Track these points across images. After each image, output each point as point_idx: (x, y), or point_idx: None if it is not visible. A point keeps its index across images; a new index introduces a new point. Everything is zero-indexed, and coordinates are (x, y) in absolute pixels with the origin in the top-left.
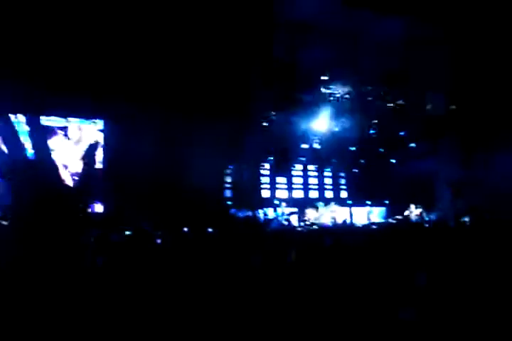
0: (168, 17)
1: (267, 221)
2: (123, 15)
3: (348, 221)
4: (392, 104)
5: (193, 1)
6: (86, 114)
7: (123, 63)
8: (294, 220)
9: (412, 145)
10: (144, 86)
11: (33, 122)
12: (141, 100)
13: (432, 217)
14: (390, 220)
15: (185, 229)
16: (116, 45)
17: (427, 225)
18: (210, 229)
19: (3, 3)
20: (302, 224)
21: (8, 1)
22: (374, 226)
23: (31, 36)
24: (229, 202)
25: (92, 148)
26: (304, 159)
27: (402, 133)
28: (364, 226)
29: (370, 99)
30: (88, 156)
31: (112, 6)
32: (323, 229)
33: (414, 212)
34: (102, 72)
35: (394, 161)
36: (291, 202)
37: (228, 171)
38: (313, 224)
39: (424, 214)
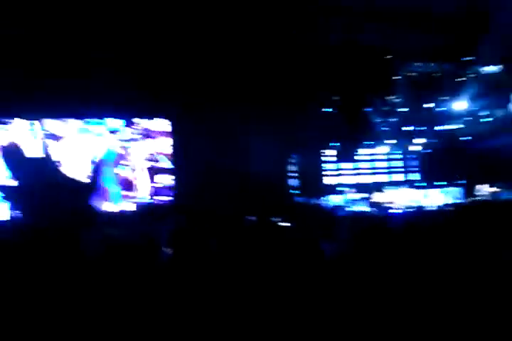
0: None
1: (335, 208)
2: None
3: (421, 203)
4: (460, 79)
5: None
6: (148, 113)
7: (176, 60)
8: (364, 206)
9: (488, 119)
10: (199, 81)
11: None
12: (198, 95)
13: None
14: (466, 201)
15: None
16: (165, 43)
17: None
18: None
19: None
20: (372, 209)
21: None
22: (449, 208)
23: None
24: (295, 191)
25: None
26: (371, 143)
27: (475, 108)
28: (438, 208)
29: (436, 75)
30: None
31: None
32: (393, 213)
33: (490, 190)
34: (154, 70)
35: (469, 138)
36: (359, 187)
37: (292, 160)
38: (384, 208)
39: (503, 193)
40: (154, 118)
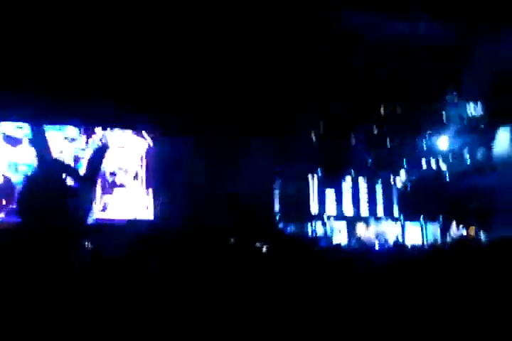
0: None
1: (316, 238)
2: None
3: (400, 239)
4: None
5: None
6: (130, 124)
7: (167, 75)
8: (343, 237)
9: (467, 157)
10: (190, 99)
11: (36, 130)
12: (186, 113)
13: (487, 235)
14: (444, 240)
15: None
16: (160, 54)
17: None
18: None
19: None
20: (351, 242)
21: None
22: (428, 246)
23: (73, 44)
24: (277, 216)
25: (100, 151)
26: (353, 172)
27: (457, 146)
28: (417, 246)
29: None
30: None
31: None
32: (373, 248)
33: (468, 230)
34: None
35: (449, 174)
36: (340, 217)
37: (276, 185)
38: (365, 242)
39: (480, 233)
40: (121, 129)
